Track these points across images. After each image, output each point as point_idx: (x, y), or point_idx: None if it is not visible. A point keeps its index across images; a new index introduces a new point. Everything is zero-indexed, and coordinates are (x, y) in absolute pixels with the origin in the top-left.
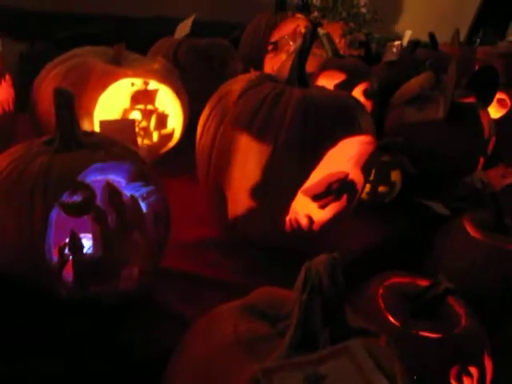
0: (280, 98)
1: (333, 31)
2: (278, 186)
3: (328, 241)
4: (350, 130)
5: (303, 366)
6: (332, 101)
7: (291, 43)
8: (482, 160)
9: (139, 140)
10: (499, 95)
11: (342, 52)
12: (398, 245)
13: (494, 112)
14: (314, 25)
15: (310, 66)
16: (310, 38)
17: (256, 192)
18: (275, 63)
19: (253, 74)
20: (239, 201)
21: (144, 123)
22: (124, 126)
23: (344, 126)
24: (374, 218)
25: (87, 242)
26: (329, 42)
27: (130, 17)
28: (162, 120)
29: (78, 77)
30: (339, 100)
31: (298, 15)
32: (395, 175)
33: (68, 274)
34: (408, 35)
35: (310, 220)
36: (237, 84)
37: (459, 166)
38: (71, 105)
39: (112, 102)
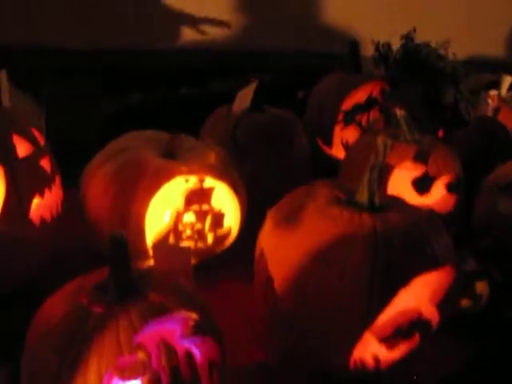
0: (348, 227)
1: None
2: (341, 324)
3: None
4: (426, 266)
5: None
6: (407, 232)
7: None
8: None
9: (192, 243)
10: None
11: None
12: (485, 373)
13: None
14: (392, 84)
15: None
16: (384, 151)
17: (318, 327)
18: (345, 136)
19: (324, 190)
20: (301, 329)
21: (198, 225)
22: (179, 253)
23: (419, 262)
24: (454, 338)
25: None
26: (407, 125)
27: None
28: (218, 220)
29: (129, 177)
30: (415, 230)
31: (375, 75)
32: (481, 286)
33: None
34: (508, 82)
35: (377, 360)
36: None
37: None
38: (126, 254)
39: (163, 202)
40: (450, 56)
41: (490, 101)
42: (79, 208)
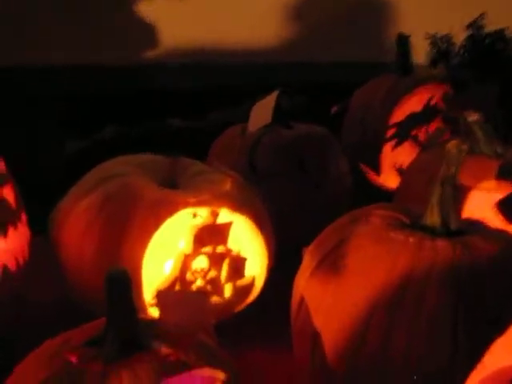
0: (420, 257)
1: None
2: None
3: None
4: None
5: None
6: (498, 261)
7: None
8: None
9: None
10: None
11: None
12: None
13: None
14: (457, 87)
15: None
16: (458, 159)
17: None
18: (398, 158)
19: (379, 212)
20: None
21: (213, 273)
22: (193, 301)
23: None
24: None
25: None
26: (485, 134)
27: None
28: (238, 266)
29: (120, 211)
30: (505, 260)
31: (433, 76)
32: None
33: None
34: None
35: None
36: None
37: None
38: (129, 295)
39: (165, 244)
40: None
41: None
42: (49, 255)
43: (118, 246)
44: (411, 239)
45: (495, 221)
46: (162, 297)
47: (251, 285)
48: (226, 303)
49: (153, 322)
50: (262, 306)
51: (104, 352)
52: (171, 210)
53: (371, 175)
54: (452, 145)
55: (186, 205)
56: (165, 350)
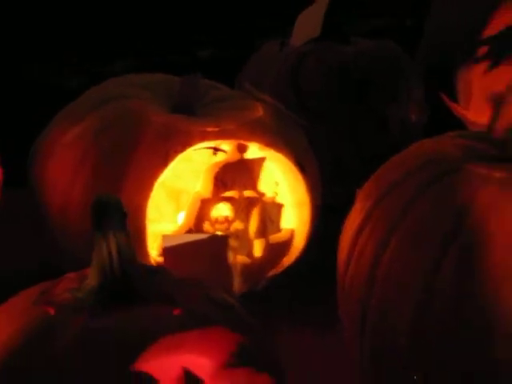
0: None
1: None
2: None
3: None
4: None
5: None
6: None
7: None
8: None
9: (229, 256)
10: None
11: None
12: None
13: None
14: None
15: None
16: None
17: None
18: (490, 83)
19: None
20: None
21: (238, 224)
22: (207, 248)
23: None
24: None
25: None
26: None
27: None
28: (272, 216)
29: (120, 142)
30: None
31: None
32: None
33: None
34: None
35: None
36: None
37: None
38: (124, 226)
39: (178, 186)
40: None
41: None
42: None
43: (116, 185)
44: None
45: None
46: (168, 242)
47: (289, 241)
48: (255, 264)
49: (154, 269)
50: (303, 269)
51: (87, 302)
52: (185, 141)
53: (456, 108)
54: None
55: (204, 136)
56: (163, 305)
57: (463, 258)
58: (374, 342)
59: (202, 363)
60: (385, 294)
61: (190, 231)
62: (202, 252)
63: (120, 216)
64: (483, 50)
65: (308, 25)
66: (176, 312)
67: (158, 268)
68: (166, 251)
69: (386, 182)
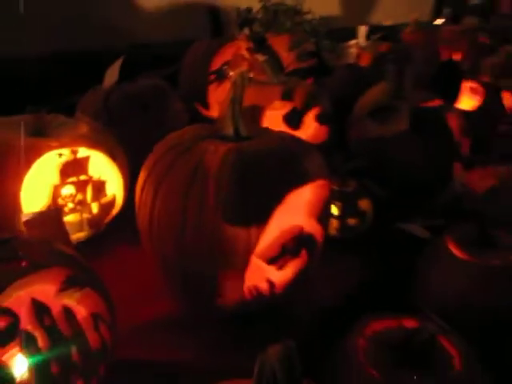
0: (210, 156)
1: (279, 45)
2: (225, 255)
3: (299, 296)
4: (297, 182)
5: None
6: (272, 153)
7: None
8: (458, 165)
9: (77, 216)
10: (470, 84)
11: (291, 67)
12: (378, 281)
13: (469, 103)
14: (258, 42)
15: (258, 97)
16: (242, 85)
17: (203, 259)
18: (220, 94)
19: (190, 130)
20: (189, 273)
21: (80, 196)
22: (49, 217)
23: (289, 178)
24: (347, 255)
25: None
26: (271, 68)
27: None
28: (100, 188)
29: None
30: (280, 151)
31: (240, 36)
32: (364, 204)
33: None
34: (363, 31)
35: (271, 283)
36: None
37: (433, 178)
38: None
39: (39, 180)
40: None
41: (351, 50)
42: None
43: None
44: (210, 146)
45: (285, 129)
46: (28, 222)
47: (113, 200)
48: (95, 218)
49: (9, 238)
50: (126, 214)
51: None
52: (39, 153)
53: (203, 110)
54: (237, 73)
55: (50, 148)
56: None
57: (196, 199)
58: (157, 251)
59: (45, 293)
60: (159, 222)
61: (49, 207)
62: (48, 220)
63: None
64: (213, 76)
65: (112, 73)
66: (23, 264)
67: (11, 237)
68: (26, 223)
69: (158, 154)
